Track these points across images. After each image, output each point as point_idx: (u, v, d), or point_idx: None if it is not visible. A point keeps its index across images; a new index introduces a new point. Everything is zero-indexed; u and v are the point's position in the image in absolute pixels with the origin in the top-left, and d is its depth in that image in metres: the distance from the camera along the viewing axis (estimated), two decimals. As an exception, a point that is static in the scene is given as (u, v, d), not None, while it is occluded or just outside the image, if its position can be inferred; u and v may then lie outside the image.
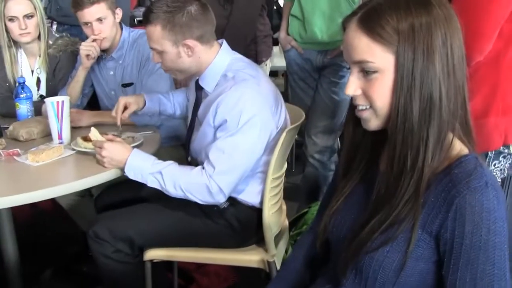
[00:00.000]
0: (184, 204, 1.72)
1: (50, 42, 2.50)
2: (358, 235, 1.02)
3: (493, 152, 1.62)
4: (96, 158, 1.71)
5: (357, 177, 1.13)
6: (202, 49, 1.71)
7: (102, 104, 2.56)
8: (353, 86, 1.00)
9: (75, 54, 2.51)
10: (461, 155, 0.97)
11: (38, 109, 2.24)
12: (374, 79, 0.97)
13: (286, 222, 2.04)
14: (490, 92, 1.59)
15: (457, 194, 0.92)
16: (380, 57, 0.95)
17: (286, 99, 2.88)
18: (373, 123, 1.01)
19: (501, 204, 0.92)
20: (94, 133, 1.76)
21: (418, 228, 0.96)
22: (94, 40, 2.28)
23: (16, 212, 2.00)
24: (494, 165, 1.63)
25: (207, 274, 2.52)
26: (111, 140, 1.72)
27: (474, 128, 1.03)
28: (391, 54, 0.94)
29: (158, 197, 1.76)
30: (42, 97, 2.48)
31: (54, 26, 3.29)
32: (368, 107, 1.00)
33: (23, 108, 2.21)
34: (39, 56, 2.49)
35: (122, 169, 1.68)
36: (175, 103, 2.13)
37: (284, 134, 1.68)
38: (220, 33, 1.97)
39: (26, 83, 2.26)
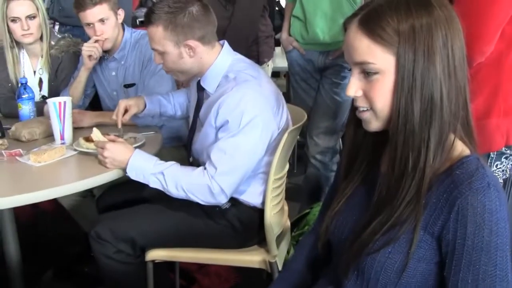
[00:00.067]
0: (186, 205, 1.72)
1: (52, 42, 2.51)
2: (360, 237, 1.02)
3: (495, 153, 1.62)
4: (98, 158, 1.71)
5: (358, 179, 1.13)
6: (204, 50, 1.72)
7: (104, 104, 2.56)
8: (354, 87, 1.00)
9: (77, 55, 2.51)
10: (463, 156, 0.97)
11: (40, 109, 2.25)
12: (375, 80, 0.97)
13: (288, 223, 2.04)
14: (492, 93, 1.58)
15: (459, 195, 0.92)
16: (380, 58, 0.95)
17: (288, 100, 2.88)
18: (374, 124, 1.01)
19: (503, 205, 0.91)
20: (96, 134, 1.76)
21: (420, 229, 0.96)
22: (96, 41, 2.29)
23: (18, 212, 2.01)
24: (496, 166, 1.63)
25: (209, 275, 2.52)
26: (113, 141, 1.72)
27: (475, 129, 1.03)
28: (392, 55, 0.94)
29: (160, 197, 1.76)
30: (44, 98, 2.48)
31: (56, 27, 3.30)
32: (368, 108, 1.00)
33: (25, 108, 2.22)
34: (41, 57, 2.49)
35: (124, 170, 1.68)
36: (175, 104, 2.13)
37: (286, 135, 1.68)
38: (221, 34, 1.97)
39: (28, 83, 2.26)
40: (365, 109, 1.01)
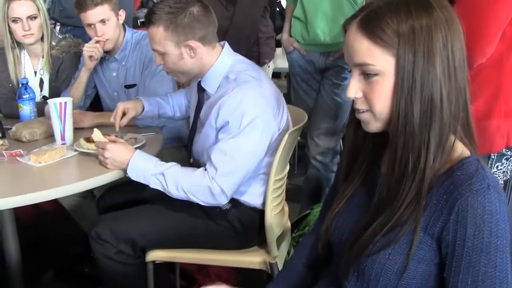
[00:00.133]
0: (186, 206, 1.72)
1: (53, 43, 2.51)
2: (360, 238, 1.02)
3: (496, 154, 1.62)
4: (99, 159, 1.72)
5: (358, 180, 1.13)
6: (204, 50, 1.72)
7: (105, 105, 2.56)
8: (354, 88, 1.00)
9: (78, 55, 2.52)
10: (463, 157, 0.97)
11: (41, 110, 2.25)
12: (375, 82, 0.97)
13: (288, 224, 2.04)
14: (492, 95, 1.58)
15: (459, 196, 0.92)
16: (380, 59, 0.95)
17: (289, 101, 2.88)
18: (373, 125, 1.01)
19: (503, 206, 0.91)
20: (96, 134, 1.76)
21: (420, 230, 0.96)
22: (97, 42, 2.29)
23: (19, 212, 2.01)
24: (497, 167, 1.63)
25: (209, 275, 2.52)
26: (113, 141, 1.72)
27: (476, 130, 1.03)
28: (392, 57, 0.94)
29: (160, 198, 1.76)
30: (45, 98, 2.48)
31: (57, 27, 3.30)
32: (367, 110, 1.00)
33: (26, 109, 2.22)
34: (42, 57, 2.50)
35: (125, 170, 1.68)
36: (174, 105, 2.13)
37: (286, 135, 1.69)
38: (222, 35, 1.97)
39: (29, 84, 2.26)
40: (364, 110, 1.01)
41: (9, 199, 1.49)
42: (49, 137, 2.05)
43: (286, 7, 2.91)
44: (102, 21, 2.27)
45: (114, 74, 2.46)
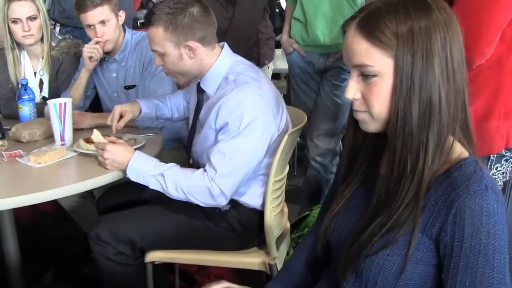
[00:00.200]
0: (186, 206, 1.72)
1: (53, 44, 2.51)
2: (358, 239, 1.02)
3: (495, 156, 1.61)
4: (98, 160, 1.71)
5: (357, 181, 1.13)
6: (204, 51, 1.72)
7: (104, 106, 2.56)
8: (352, 89, 1.00)
9: (78, 56, 2.52)
10: (461, 158, 0.97)
11: (40, 110, 2.25)
12: (373, 83, 0.97)
13: (288, 225, 2.04)
14: (492, 96, 1.58)
15: (457, 197, 0.92)
16: (379, 61, 0.95)
17: (289, 102, 2.88)
18: (371, 125, 1.02)
19: (501, 207, 0.91)
20: (96, 135, 1.76)
21: (418, 231, 0.96)
22: (97, 42, 2.29)
23: (18, 213, 2.01)
24: (496, 168, 1.63)
25: (208, 276, 2.52)
26: (113, 142, 1.72)
27: (475, 131, 1.03)
28: (390, 58, 0.94)
29: (160, 199, 1.76)
30: (44, 99, 2.49)
31: (57, 28, 3.30)
32: (366, 110, 1.00)
33: (26, 109, 2.22)
34: (42, 58, 2.50)
35: (124, 171, 1.68)
36: (172, 106, 2.13)
37: (286, 136, 1.69)
38: (222, 35, 1.97)
39: (28, 84, 2.27)
40: (362, 110, 1.01)
41: (8, 200, 1.49)
42: (49, 137, 2.05)
43: (285, 8, 2.91)
44: (102, 22, 2.27)
45: (114, 75, 2.46)
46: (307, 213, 2.51)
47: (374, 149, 1.10)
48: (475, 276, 0.91)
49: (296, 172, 3.77)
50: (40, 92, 2.53)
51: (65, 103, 1.92)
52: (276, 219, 1.81)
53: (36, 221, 3.09)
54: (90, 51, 2.29)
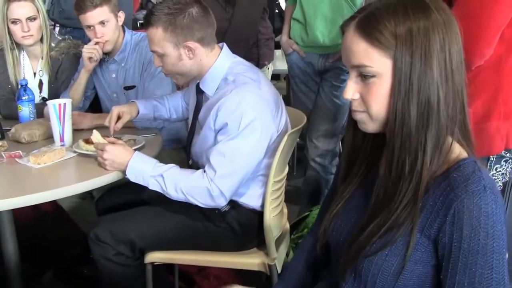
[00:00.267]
0: (185, 207, 1.72)
1: (53, 44, 2.51)
2: (357, 239, 1.02)
3: (495, 156, 1.61)
4: (98, 160, 1.71)
5: (357, 181, 1.13)
6: (203, 52, 1.72)
7: (104, 106, 2.56)
8: (351, 90, 1.00)
9: (77, 57, 2.52)
10: (460, 159, 0.97)
11: (40, 111, 2.25)
12: (372, 84, 0.97)
13: (287, 225, 2.04)
14: (491, 97, 1.58)
15: (455, 198, 0.92)
16: (378, 61, 0.95)
17: (288, 103, 2.88)
18: (370, 126, 1.02)
19: (499, 208, 0.91)
20: (96, 136, 1.76)
21: (416, 231, 0.96)
22: (96, 43, 2.29)
23: (17, 214, 2.01)
24: (496, 169, 1.63)
25: (208, 277, 2.52)
26: (112, 143, 1.72)
27: (475, 132, 1.03)
28: (389, 59, 0.95)
29: (159, 200, 1.76)
30: (44, 100, 2.49)
31: (57, 29, 3.30)
32: (364, 111, 1.00)
33: (25, 110, 2.22)
34: (42, 59, 2.50)
35: (124, 172, 1.68)
36: (170, 107, 2.13)
37: (285, 137, 1.69)
38: (221, 36, 1.97)
39: (28, 85, 2.27)
40: (361, 110, 1.01)
41: (8, 200, 1.49)
42: (48, 138, 2.05)
43: (285, 9, 2.91)
44: (102, 23, 2.27)
45: (114, 75, 2.46)
46: (306, 213, 2.52)
47: (373, 149, 1.11)
48: (473, 276, 0.91)
49: (296, 172, 3.77)
50: (40, 92, 2.53)
51: (64, 104, 1.92)
52: (275, 219, 1.81)
53: (35, 222, 3.08)
54: (90, 51, 2.29)
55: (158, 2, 1.76)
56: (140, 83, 2.40)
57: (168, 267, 2.17)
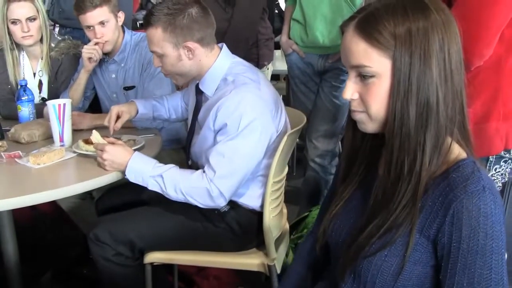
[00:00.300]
0: (185, 208, 1.72)
1: (53, 44, 2.51)
2: (357, 240, 1.02)
3: (494, 157, 1.61)
4: (97, 160, 1.71)
5: (356, 182, 1.13)
6: (203, 52, 1.72)
7: (104, 107, 2.56)
8: (350, 90, 1.01)
9: (77, 57, 2.52)
10: (459, 159, 0.97)
11: (40, 111, 2.25)
12: (371, 84, 0.97)
13: (287, 226, 2.04)
14: (491, 97, 1.58)
15: (454, 198, 0.92)
16: (377, 61, 0.95)
17: (288, 103, 2.87)
18: (369, 126, 1.02)
19: (498, 208, 0.91)
20: (95, 136, 1.76)
21: (416, 232, 0.96)
22: (96, 43, 2.29)
23: (17, 214, 2.01)
24: (495, 169, 1.63)
25: (208, 278, 2.52)
26: (112, 143, 1.72)
27: (474, 133, 1.03)
28: (388, 59, 0.95)
29: (159, 200, 1.76)
30: (44, 100, 2.49)
31: (57, 29, 3.30)
32: (363, 111, 1.00)
33: (25, 110, 2.22)
34: (41, 59, 2.50)
35: (123, 172, 1.68)
36: (169, 107, 2.13)
37: (285, 138, 1.69)
38: (221, 36, 1.97)
39: (28, 85, 2.27)
40: (360, 111, 1.01)
41: (7, 201, 1.49)
42: (48, 138, 2.04)
43: (285, 9, 2.91)
44: (101, 23, 2.27)
45: (113, 75, 2.46)
46: (306, 214, 2.52)
47: (372, 150, 1.11)
48: (472, 277, 0.91)
49: (295, 173, 3.77)
50: (39, 93, 2.53)
51: (64, 104, 1.92)
52: (275, 220, 1.81)
53: (35, 222, 3.08)
54: (90, 52, 2.29)
55: (158, 2, 1.76)
56: (140, 84, 2.40)
57: (167, 268, 2.17)
